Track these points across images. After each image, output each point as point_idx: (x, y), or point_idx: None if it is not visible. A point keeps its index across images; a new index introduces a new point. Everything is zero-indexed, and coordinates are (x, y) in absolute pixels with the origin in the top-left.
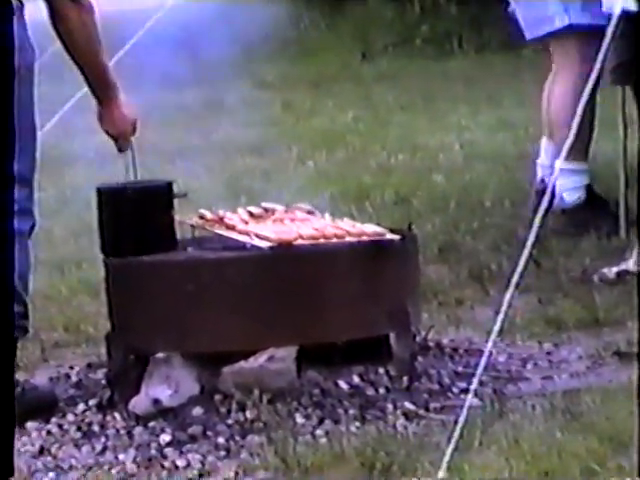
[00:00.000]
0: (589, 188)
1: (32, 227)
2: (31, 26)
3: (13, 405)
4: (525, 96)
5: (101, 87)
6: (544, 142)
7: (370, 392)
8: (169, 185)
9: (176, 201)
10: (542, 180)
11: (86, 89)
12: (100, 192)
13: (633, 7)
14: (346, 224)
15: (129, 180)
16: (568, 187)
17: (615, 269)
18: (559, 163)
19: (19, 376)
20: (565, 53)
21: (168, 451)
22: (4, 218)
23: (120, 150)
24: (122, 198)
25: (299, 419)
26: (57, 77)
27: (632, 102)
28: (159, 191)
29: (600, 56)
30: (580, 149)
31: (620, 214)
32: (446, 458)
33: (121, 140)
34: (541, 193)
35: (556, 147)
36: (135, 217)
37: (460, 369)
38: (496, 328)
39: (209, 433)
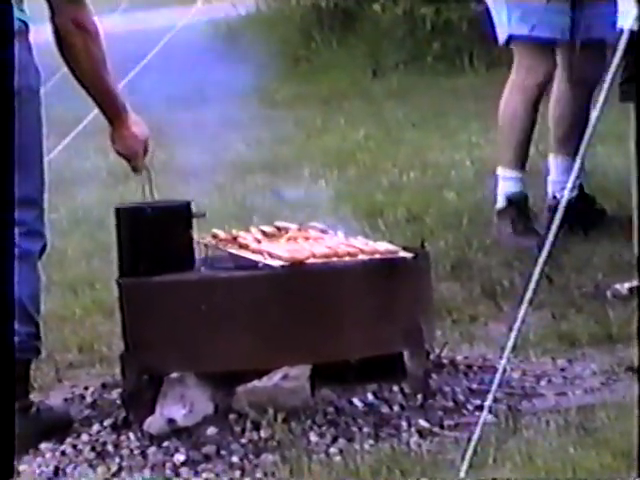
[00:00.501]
0: (580, 187)
1: (43, 248)
2: (42, 48)
3: (13, 405)
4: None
5: (110, 109)
6: (551, 158)
7: (384, 410)
8: (188, 205)
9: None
10: (554, 197)
11: (97, 111)
12: (119, 212)
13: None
14: (359, 242)
15: (145, 200)
16: (562, 187)
17: (627, 285)
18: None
19: (34, 397)
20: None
21: (183, 471)
22: (4, 241)
23: (135, 170)
24: (141, 218)
25: (313, 437)
26: (69, 99)
27: None
28: (178, 211)
29: (612, 69)
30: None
31: (634, 229)
32: (461, 475)
33: (133, 160)
34: (553, 209)
35: (563, 162)
36: (155, 237)
37: (474, 386)
38: (510, 344)
39: (223, 452)
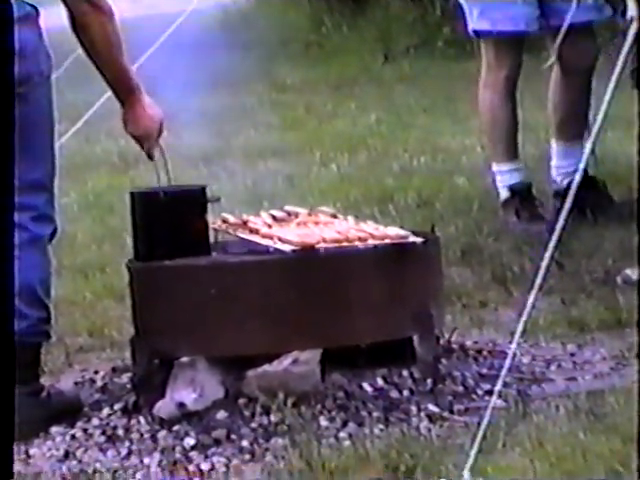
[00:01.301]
0: (585, 172)
1: (53, 232)
2: (53, 32)
3: (13, 406)
4: (545, 97)
5: (123, 89)
6: (552, 144)
7: (394, 394)
8: (203, 190)
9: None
10: (554, 181)
11: (108, 95)
12: (134, 196)
13: None
14: (369, 227)
15: (161, 184)
16: (562, 171)
17: (638, 270)
18: (554, 143)
19: (44, 381)
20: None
21: (193, 455)
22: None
23: (149, 155)
24: (156, 203)
25: (323, 422)
26: (80, 84)
27: None
28: (194, 196)
29: (622, 57)
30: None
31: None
32: (470, 460)
33: (147, 143)
34: (559, 194)
35: (562, 148)
36: (170, 222)
37: (484, 371)
38: (519, 329)
39: (233, 436)
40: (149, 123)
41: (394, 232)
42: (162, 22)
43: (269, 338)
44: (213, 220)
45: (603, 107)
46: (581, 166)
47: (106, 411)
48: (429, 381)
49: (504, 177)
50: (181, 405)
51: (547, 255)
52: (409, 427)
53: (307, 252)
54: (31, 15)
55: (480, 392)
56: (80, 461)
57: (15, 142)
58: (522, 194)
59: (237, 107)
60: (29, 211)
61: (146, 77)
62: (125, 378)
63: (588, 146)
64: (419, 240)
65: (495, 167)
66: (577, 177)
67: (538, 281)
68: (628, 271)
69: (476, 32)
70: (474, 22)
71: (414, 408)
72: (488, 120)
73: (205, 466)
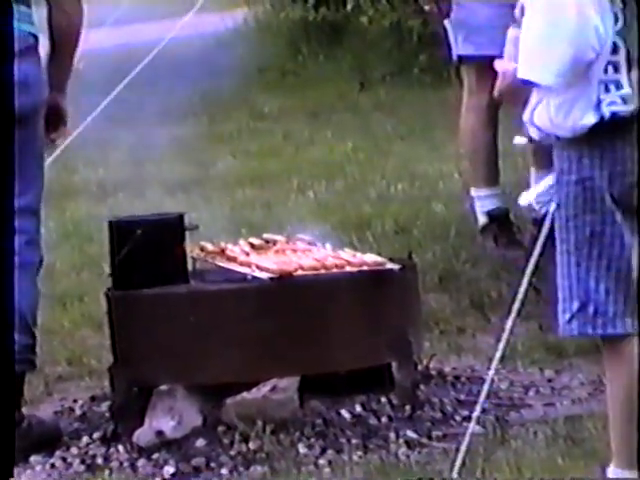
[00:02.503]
0: None
1: (41, 260)
2: None
3: (13, 409)
4: (523, 123)
5: (61, 82)
6: (532, 171)
7: (372, 421)
8: (181, 217)
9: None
10: (533, 209)
11: (86, 123)
12: (112, 225)
13: None
14: (347, 254)
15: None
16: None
17: None
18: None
19: (24, 410)
20: (465, 83)
21: None
22: (7, 253)
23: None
24: (135, 231)
25: (302, 449)
26: None
27: None
28: (171, 224)
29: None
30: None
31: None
32: None
33: (56, 127)
34: (539, 221)
35: (539, 175)
36: (148, 250)
37: (462, 397)
38: (498, 355)
39: (212, 464)
40: (59, 111)
41: (371, 259)
42: (140, 51)
43: (247, 366)
44: (191, 248)
45: None
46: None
47: (85, 440)
48: (407, 407)
49: (483, 202)
50: (160, 433)
51: (524, 281)
52: (388, 454)
53: (285, 280)
54: (31, 44)
55: (458, 418)
56: None
57: (15, 168)
58: (500, 220)
59: (215, 135)
60: (21, 235)
61: (123, 106)
62: (104, 407)
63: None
64: (396, 267)
65: (474, 192)
66: (552, 207)
67: (516, 307)
68: None
69: (459, 57)
70: (459, 47)
71: (393, 435)
72: (469, 145)
73: None
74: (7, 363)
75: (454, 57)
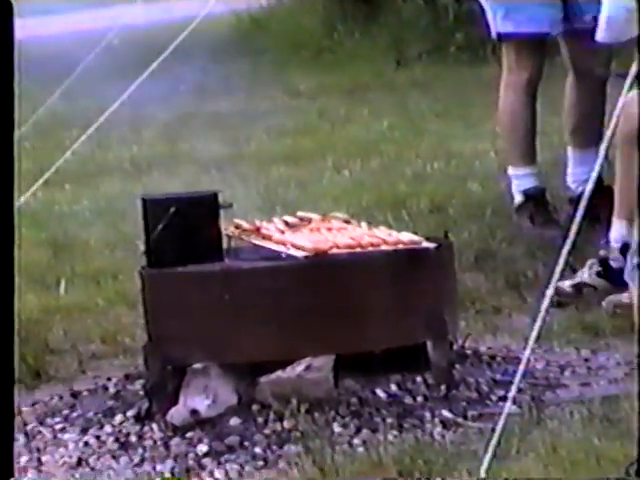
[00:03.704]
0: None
1: None
2: (64, 39)
3: (12, 406)
4: (559, 102)
5: None
6: (569, 150)
7: (408, 401)
8: (215, 196)
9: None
10: (569, 188)
11: (120, 101)
12: (146, 203)
13: None
14: (382, 233)
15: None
16: (576, 178)
17: None
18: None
19: (58, 389)
20: (504, 60)
21: (206, 462)
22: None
23: None
24: (169, 209)
25: (337, 428)
26: (91, 91)
27: None
28: (206, 202)
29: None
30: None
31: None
32: (484, 466)
33: None
34: (575, 200)
35: (576, 154)
36: (182, 228)
37: (498, 377)
38: (533, 335)
39: (246, 443)
40: None
41: (407, 238)
42: (174, 27)
43: (282, 344)
44: (226, 226)
45: (616, 112)
46: (593, 175)
47: (119, 418)
48: (443, 387)
49: (520, 181)
50: (194, 412)
51: (561, 260)
52: (423, 433)
53: (320, 258)
54: None
55: (494, 398)
56: (93, 468)
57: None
58: (537, 199)
59: (250, 113)
60: None
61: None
62: (138, 385)
63: (600, 155)
64: (432, 246)
65: (511, 171)
66: (588, 186)
67: (552, 286)
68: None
69: (499, 34)
70: (498, 24)
71: (428, 414)
72: (507, 123)
73: (218, 473)
74: (7, 363)
75: (493, 35)
